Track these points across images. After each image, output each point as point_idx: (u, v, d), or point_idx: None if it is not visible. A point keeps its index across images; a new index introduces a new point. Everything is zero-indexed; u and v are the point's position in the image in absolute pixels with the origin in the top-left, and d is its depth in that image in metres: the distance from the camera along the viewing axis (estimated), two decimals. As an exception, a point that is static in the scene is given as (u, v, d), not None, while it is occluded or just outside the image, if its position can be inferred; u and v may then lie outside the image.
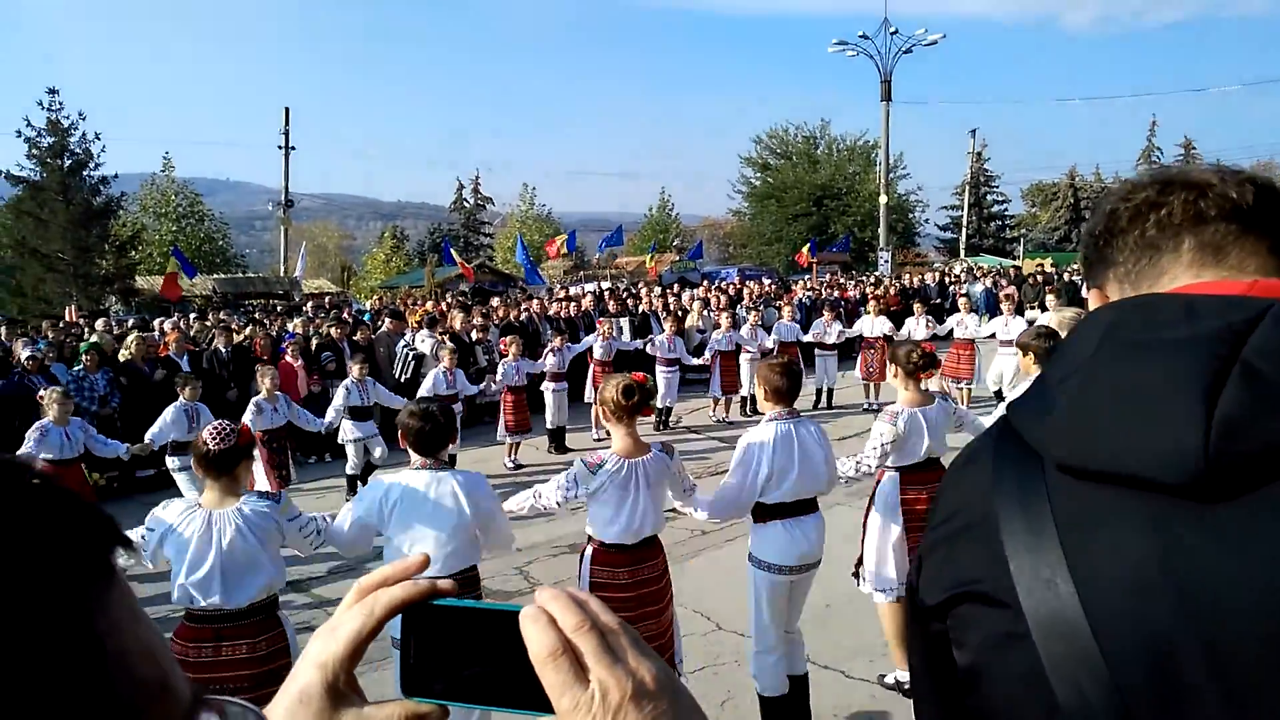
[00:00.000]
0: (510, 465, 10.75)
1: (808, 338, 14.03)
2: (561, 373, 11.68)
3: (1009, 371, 12.10)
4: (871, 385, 13.90)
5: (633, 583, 4.03)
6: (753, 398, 13.49)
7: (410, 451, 3.93)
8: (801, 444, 4.25)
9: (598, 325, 13.09)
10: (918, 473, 4.88)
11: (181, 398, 8.31)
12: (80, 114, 29.65)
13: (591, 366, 12.74)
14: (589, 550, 4.10)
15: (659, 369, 12.66)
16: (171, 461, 8.46)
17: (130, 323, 16.83)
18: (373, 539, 3.96)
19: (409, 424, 3.84)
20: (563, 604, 0.61)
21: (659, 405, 12.63)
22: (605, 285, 24.31)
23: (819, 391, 13.98)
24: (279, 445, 8.99)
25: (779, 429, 4.24)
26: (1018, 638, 0.83)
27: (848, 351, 15.38)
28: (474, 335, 13.27)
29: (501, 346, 12.01)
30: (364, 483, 9.36)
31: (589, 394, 12.43)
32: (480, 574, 4.23)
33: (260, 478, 8.97)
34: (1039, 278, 24.53)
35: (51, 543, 0.42)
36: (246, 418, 8.15)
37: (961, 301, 14.00)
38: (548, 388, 11.64)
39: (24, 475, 0.44)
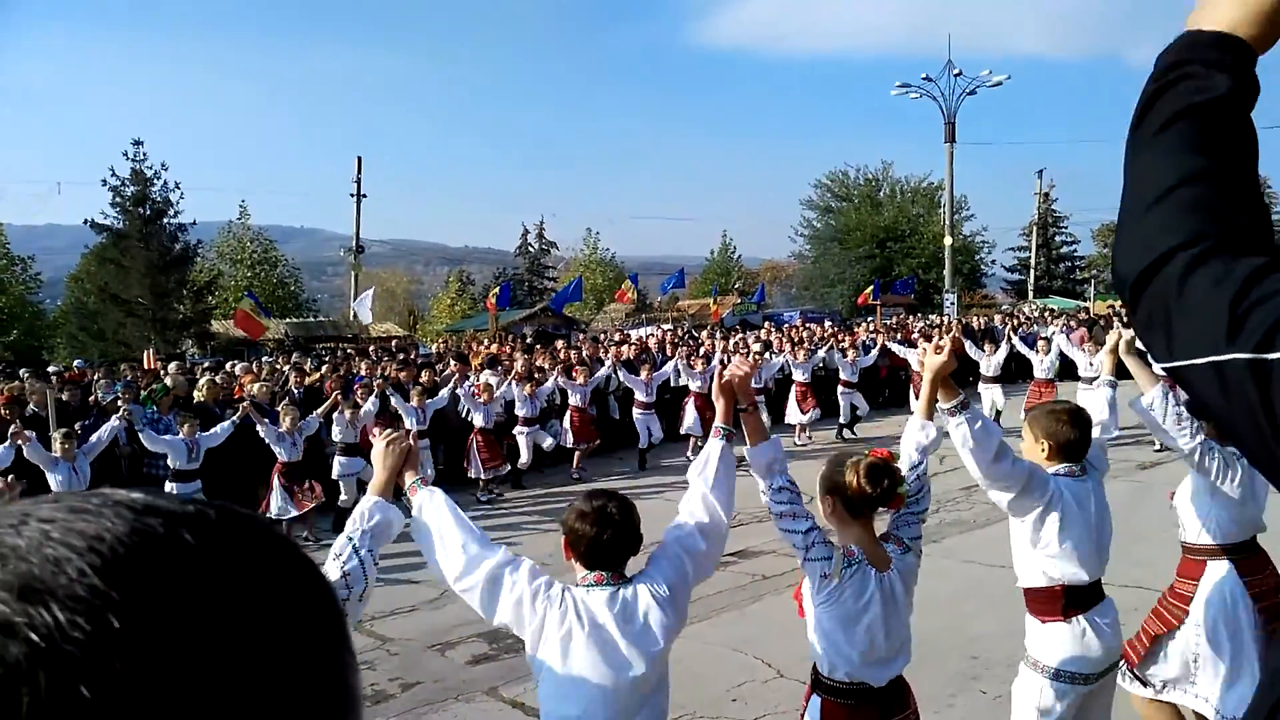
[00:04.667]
0: (483, 499, 11.56)
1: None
2: (534, 417, 12.34)
3: (1094, 410, 12.30)
4: None
5: None
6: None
7: (576, 564, 2.69)
8: (1098, 509, 3.46)
9: (574, 373, 13.20)
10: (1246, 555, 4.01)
11: (181, 433, 9.13)
12: (163, 164, 30.91)
13: (569, 413, 12.92)
14: (816, 702, 2.97)
15: (636, 410, 13.32)
16: (170, 488, 9.02)
17: (205, 365, 17.34)
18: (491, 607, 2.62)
19: (578, 529, 2.62)
20: None
21: (642, 446, 13.32)
22: (666, 327, 24.35)
23: (840, 426, 14.97)
24: (299, 475, 9.74)
25: (1069, 490, 3.39)
26: None
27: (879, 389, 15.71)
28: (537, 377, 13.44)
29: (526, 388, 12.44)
30: None
31: (569, 439, 12.82)
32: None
33: (281, 501, 9.61)
34: (1112, 319, 23.87)
35: (323, 584, 0.53)
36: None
37: (1040, 343, 14.18)
38: (520, 431, 12.20)
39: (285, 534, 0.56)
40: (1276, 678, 0.86)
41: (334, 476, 10.38)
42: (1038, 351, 13.99)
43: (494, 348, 18.09)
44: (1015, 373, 18.46)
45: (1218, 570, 3.97)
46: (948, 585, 6.57)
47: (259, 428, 9.60)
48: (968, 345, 15.47)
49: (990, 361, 14.33)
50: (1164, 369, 0.90)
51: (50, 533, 0.45)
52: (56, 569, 0.43)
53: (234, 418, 9.64)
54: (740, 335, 20.54)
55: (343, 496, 10.31)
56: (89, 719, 0.40)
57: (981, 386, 14.33)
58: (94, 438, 8.69)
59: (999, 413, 13.90)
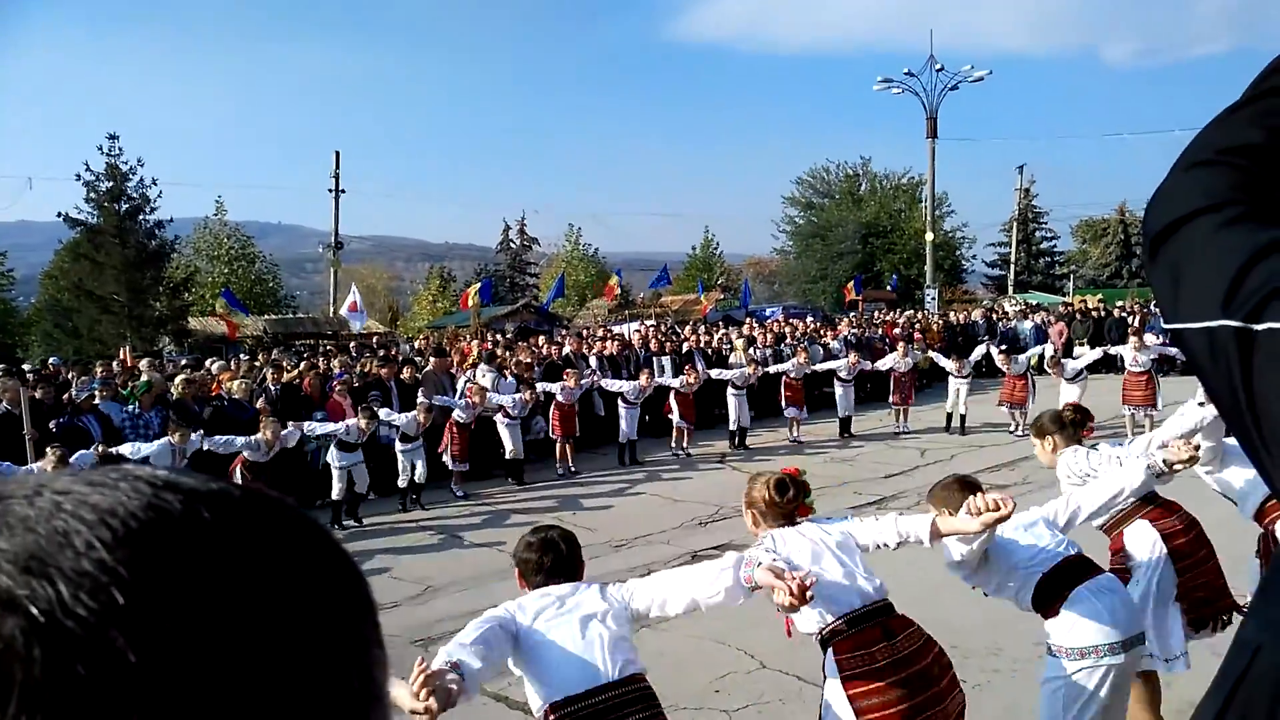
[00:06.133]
0: (459, 494, 11.44)
1: (837, 365, 15.06)
2: (520, 416, 12.21)
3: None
4: (900, 411, 14.91)
5: (890, 663, 3.04)
6: (742, 431, 14.02)
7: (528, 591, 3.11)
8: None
9: (565, 375, 13.10)
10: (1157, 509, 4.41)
11: (171, 439, 8.98)
12: (139, 160, 30.47)
13: (551, 409, 12.86)
14: (830, 655, 3.15)
15: (621, 404, 13.24)
16: None
17: (183, 362, 17.19)
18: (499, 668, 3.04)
19: (527, 558, 3.07)
20: None
21: (627, 440, 13.28)
22: (650, 323, 24.34)
23: (842, 421, 14.86)
24: (264, 479, 9.50)
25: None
26: None
27: (862, 383, 15.78)
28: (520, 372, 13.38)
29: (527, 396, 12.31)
30: (349, 514, 10.19)
31: (553, 431, 12.82)
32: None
33: None
34: (1090, 313, 24.03)
35: (355, 575, 0.51)
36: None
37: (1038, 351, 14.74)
38: (502, 421, 12.05)
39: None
40: (1243, 649, 0.85)
41: (329, 461, 10.22)
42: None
43: (476, 344, 18.02)
44: (985, 372, 18.33)
45: (1138, 529, 4.33)
46: (927, 577, 6.56)
47: (245, 452, 9.40)
48: (937, 357, 15.63)
49: (963, 364, 14.61)
50: (1167, 329, 0.91)
51: (62, 504, 0.43)
52: (64, 541, 0.41)
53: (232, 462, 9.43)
54: (723, 330, 20.53)
55: (335, 488, 10.12)
56: (85, 698, 0.38)
57: (952, 382, 14.49)
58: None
59: (962, 416, 14.34)
